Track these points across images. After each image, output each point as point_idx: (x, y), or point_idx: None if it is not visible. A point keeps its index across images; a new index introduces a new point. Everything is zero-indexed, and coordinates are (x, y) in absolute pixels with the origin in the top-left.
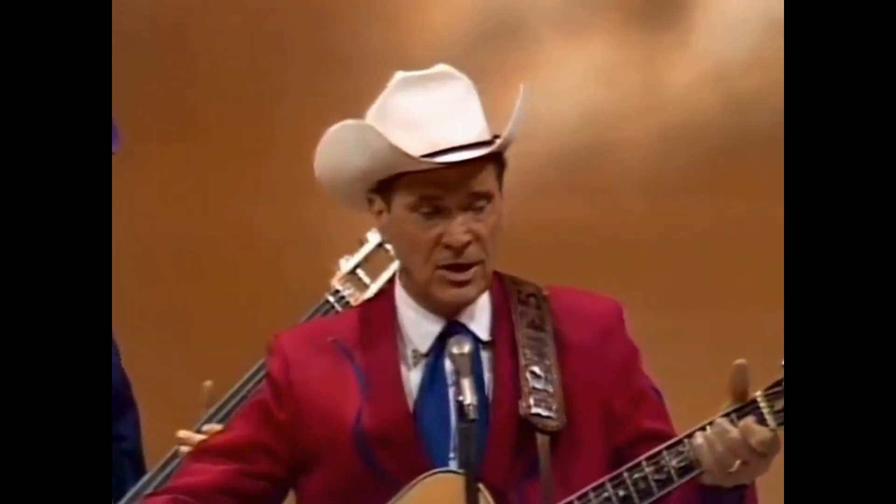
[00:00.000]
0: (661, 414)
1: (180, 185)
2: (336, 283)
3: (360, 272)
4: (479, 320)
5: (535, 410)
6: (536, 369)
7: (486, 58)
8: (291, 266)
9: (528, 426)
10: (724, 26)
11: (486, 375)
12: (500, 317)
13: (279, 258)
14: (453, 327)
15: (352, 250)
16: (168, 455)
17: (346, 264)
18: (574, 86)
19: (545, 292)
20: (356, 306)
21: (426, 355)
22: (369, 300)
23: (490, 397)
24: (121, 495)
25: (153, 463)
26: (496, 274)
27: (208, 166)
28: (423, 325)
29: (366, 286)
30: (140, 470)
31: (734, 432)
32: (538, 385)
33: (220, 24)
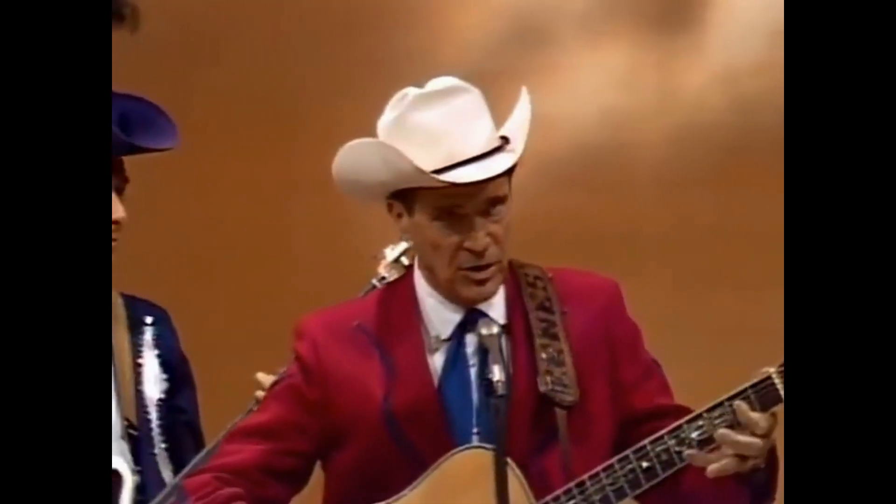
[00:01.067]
0: (667, 387)
1: (232, 178)
2: (382, 270)
3: (403, 259)
4: (496, 307)
5: (552, 387)
6: (550, 349)
7: (511, 60)
8: (334, 253)
9: (546, 402)
10: (732, 32)
11: (505, 356)
12: (513, 302)
13: (324, 245)
14: (473, 315)
15: (392, 240)
16: (229, 427)
17: (391, 253)
18: (593, 87)
19: (549, 274)
20: (374, 293)
21: (448, 340)
22: (387, 287)
23: (511, 376)
24: (180, 463)
25: (210, 439)
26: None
27: (255, 163)
28: (444, 313)
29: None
30: (199, 441)
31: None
32: (552, 363)
33: (263, 29)
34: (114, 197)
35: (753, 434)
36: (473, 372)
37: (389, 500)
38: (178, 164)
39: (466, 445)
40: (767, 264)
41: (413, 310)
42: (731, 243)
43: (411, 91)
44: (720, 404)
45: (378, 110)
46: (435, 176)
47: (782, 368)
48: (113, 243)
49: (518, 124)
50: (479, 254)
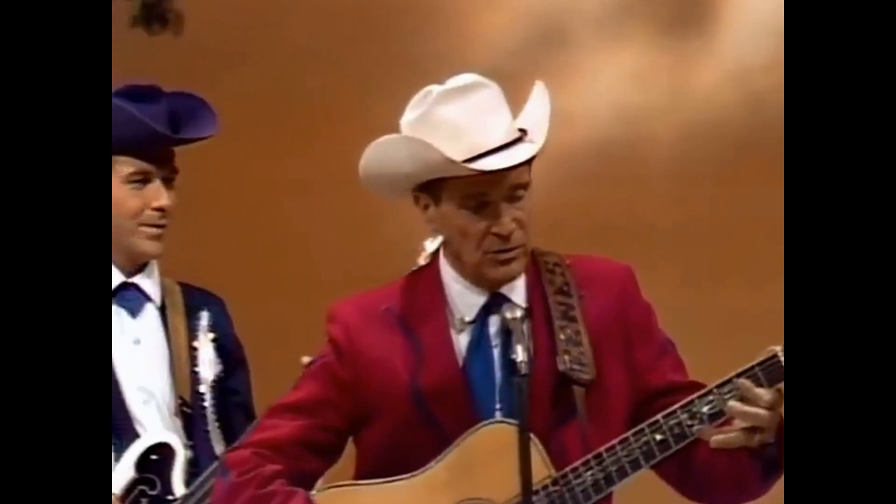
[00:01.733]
0: (681, 365)
1: (272, 174)
2: (421, 261)
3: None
4: (517, 291)
5: (570, 366)
6: (568, 330)
7: (532, 61)
8: (369, 244)
9: (564, 380)
10: (741, 34)
11: (526, 338)
12: (533, 287)
13: (360, 236)
14: (496, 298)
15: (424, 232)
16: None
17: (431, 245)
18: (608, 86)
19: (567, 261)
20: (400, 279)
21: (472, 322)
22: (413, 273)
23: (531, 356)
24: (233, 442)
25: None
26: None
27: (290, 159)
28: (469, 297)
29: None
30: (250, 419)
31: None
32: (570, 344)
33: (296, 32)
34: (163, 186)
35: (758, 407)
36: (496, 352)
37: (416, 472)
38: (221, 161)
39: (490, 420)
40: (774, 255)
41: (439, 294)
42: (740, 235)
43: (435, 88)
44: (729, 381)
45: (405, 110)
46: (465, 165)
47: None
48: (161, 230)
49: (536, 117)
50: (506, 238)
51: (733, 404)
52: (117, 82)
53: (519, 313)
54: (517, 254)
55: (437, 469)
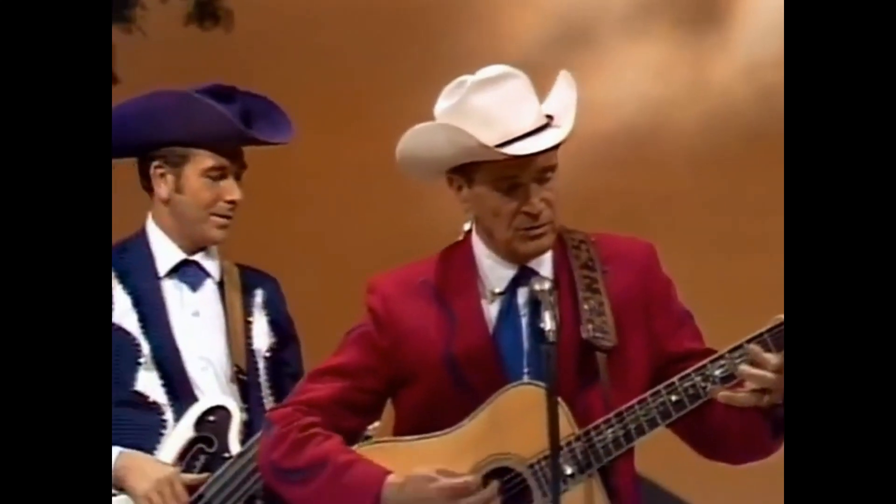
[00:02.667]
0: (698, 335)
1: (322, 161)
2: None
3: None
4: (545, 265)
5: (593, 334)
6: (592, 301)
7: (560, 56)
8: (407, 224)
9: (588, 346)
10: (755, 31)
11: (557, 308)
12: (559, 262)
13: (398, 217)
14: (525, 272)
15: (462, 215)
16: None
17: (469, 226)
18: (632, 79)
19: (592, 239)
20: (435, 255)
21: (502, 294)
22: (447, 249)
23: (558, 325)
24: None
25: None
26: None
27: (338, 146)
28: (499, 271)
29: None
30: None
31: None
32: (594, 314)
33: (344, 28)
34: (233, 181)
35: (766, 370)
36: (524, 321)
37: (449, 430)
38: (272, 151)
39: (518, 382)
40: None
41: (471, 268)
42: (754, 214)
43: (468, 78)
44: (740, 346)
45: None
46: (498, 150)
47: None
48: (229, 220)
49: (563, 103)
50: (535, 216)
51: (744, 367)
52: (173, 77)
53: (547, 285)
54: (546, 230)
55: (468, 427)
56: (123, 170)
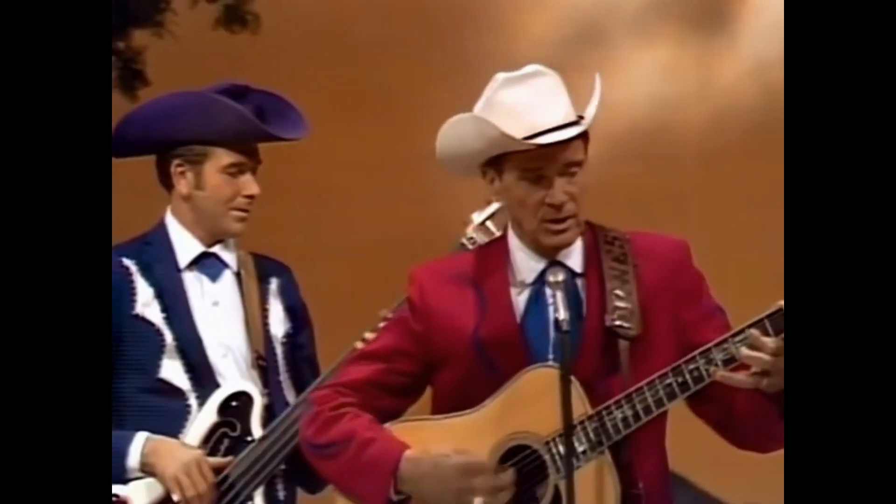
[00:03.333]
0: (726, 328)
1: (344, 156)
2: (470, 231)
3: (488, 223)
4: (574, 258)
5: (617, 322)
6: (619, 292)
7: (574, 55)
8: (425, 217)
9: (612, 334)
10: (760, 32)
11: (582, 298)
12: (590, 255)
13: (417, 210)
14: (553, 264)
15: (479, 207)
16: (340, 360)
17: (478, 217)
18: (643, 78)
19: (627, 236)
20: (475, 248)
21: (532, 284)
22: (486, 244)
23: (584, 314)
24: (301, 388)
25: (326, 366)
26: (588, 223)
27: (362, 142)
28: (529, 262)
29: (492, 233)
30: (315, 370)
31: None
32: (620, 303)
33: (367, 30)
34: (250, 177)
35: (764, 353)
36: (551, 311)
37: (472, 409)
38: (294, 146)
39: (536, 365)
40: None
41: (505, 260)
42: (759, 206)
43: (500, 75)
44: (741, 331)
45: (464, 98)
46: (518, 139)
47: None
48: (247, 213)
49: (591, 104)
50: (558, 208)
51: (743, 351)
52: (202, 79)
53: (561, 276)
54: (569, 224)
55: (490, 407)
56: (124, 169)
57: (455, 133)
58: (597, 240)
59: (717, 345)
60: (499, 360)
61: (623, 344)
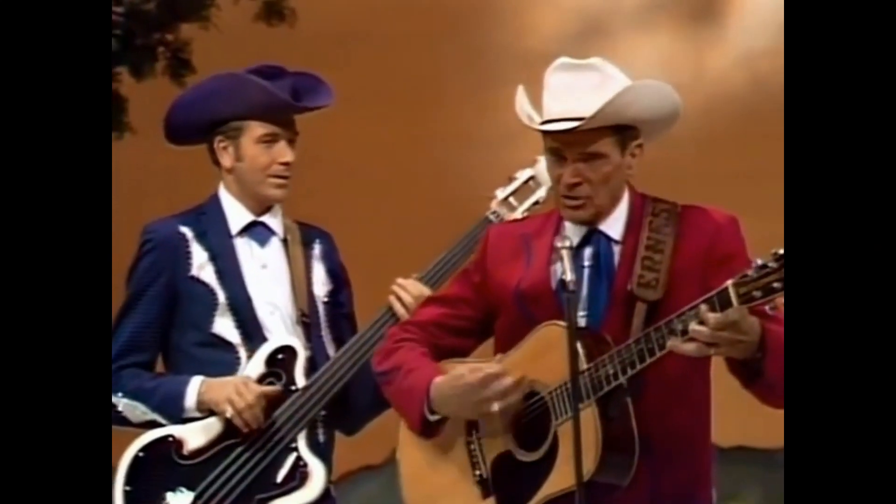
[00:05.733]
0: None
1: (375, 137)
2: (494, 206)
3: (511, 199)
4: (614, 227)
5: (637, 287)
6: (648, 261)
7: (577, 48)
8: (451, 192)
9: (632, 297)
10: (750, 25)
11: (614, 264)
12: (632, 224)
13: (445, 185)
14: (594, 231)
15: (503, 184)
16: (375, 318)
17: (502, 193)
18: (641, 67)
19: (678, 209)
20: (543, 214)
21: (573, 248)
22: (549, 212)
23: (614, 278)
24: (341, 343)
25: (363, 323)
26: (643, 195)
27: (391, 125)
28: (573, 229)
29: (514, 207)
30: (354, 327)
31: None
32: (646, 270)
33: (395, 25)
34: (285, 145)
35: (707, 327)
36: (587, 273)
37: (500, 356)
38: (332, 127)
39: (548, 322)
40: (775, 199)
41: (558, 225)
42: (751, 182)
43: (560, 59)
44: (695, 306)
45: (478, 89)
46: (530, 121)
47: (740, 280)
48: (285, 180)
49: (601, 107)
50: (570, 187)
51: (691, 325)
52: (245, 67)
53: (567, 243)
54: (580, 203)
55: (514, 355)
56: (123, 169)
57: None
58: (643, 211)
59: (678, 316)
60: (536, 313)
61: (640, 306)
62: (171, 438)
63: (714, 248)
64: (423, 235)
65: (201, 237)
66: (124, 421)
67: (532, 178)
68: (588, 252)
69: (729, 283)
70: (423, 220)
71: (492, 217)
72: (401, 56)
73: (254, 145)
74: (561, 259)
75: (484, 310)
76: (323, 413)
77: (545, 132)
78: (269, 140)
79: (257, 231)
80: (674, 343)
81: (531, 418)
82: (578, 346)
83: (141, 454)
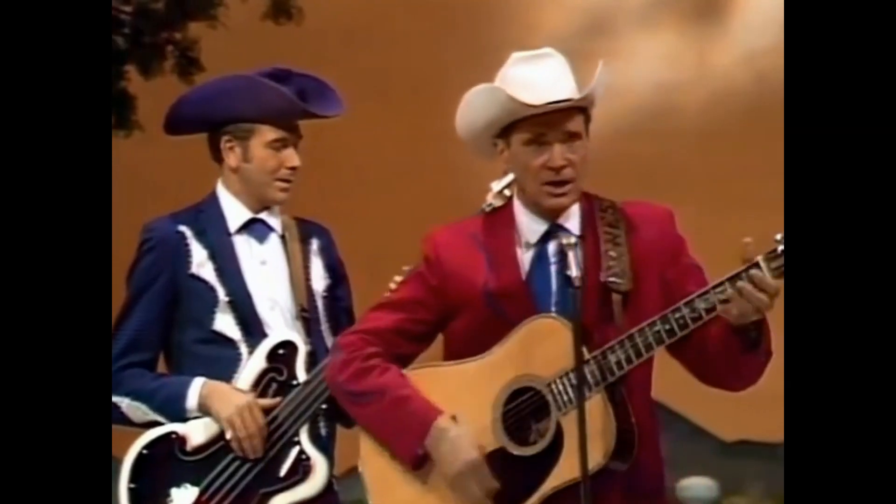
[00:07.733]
0: (703, 283)
1: (378, 133)
2: (490, 198)
3: (506, 191)
4: (573, 222)
5: (611, 279)
6: (612, 253)
7: (583, 45)
8: (452, 186)
9: (606, 289)
10: (753, 22)
11: (580, 258)
12: (587, 220)
13: (439, 179)
14: (554, 227)
15: (496, 178)
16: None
17: (496, 186)
18: (646, 64)
19: (619, 204)
20: (484, 213)
21: (535, 245)
22: (494, 210)
23: (583, 272)
24: None
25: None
26: (585, 193)
27: (394, 121)
28: (533, 225)
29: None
30: (352, 320)
31: (748, 285)
32: (613, 262)
33: (399, 21)
34: (292, 150)
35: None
36: (553, 268)
37: (483, 355)
38: (339, 123)
39: (541, 315)
40: (776, 191)
41: (511, 223)
42: (753, 175)
43: (515, 54)
44: (720, 284)
45: (482, 82)
46: (522, 101)
47: (768, 255)
48: (290, 184)
49: (591, 84)
50: (557, 170)
51: (746, 287)
52: (251, 65)
53: (573, 240)
54: (568, 189)
55: (499, 352)
56: (124, 169)
57: (471, 102)
58: (593, 207)
59: (699, 296)
60: (508, 310)
61: (616, 297)
62: (174, 435)
63: (663, 241)
64: (422, 231)
65: (200, 235)
66: (127, 421)
67: None
68: (551, 248)
69: (759, 257)
70: (422, 216)
71: (487, 209)
72: (405, 53)
73: (263, 148)
74: (566, 255)
75: (441, 313)
76: (324, 407)
77: (536, 116)
78: (279, 145)
79: (256, 228)
80: (723, 308)
81: (526, 413)
82: (577, 335)
83: (145, 451)
